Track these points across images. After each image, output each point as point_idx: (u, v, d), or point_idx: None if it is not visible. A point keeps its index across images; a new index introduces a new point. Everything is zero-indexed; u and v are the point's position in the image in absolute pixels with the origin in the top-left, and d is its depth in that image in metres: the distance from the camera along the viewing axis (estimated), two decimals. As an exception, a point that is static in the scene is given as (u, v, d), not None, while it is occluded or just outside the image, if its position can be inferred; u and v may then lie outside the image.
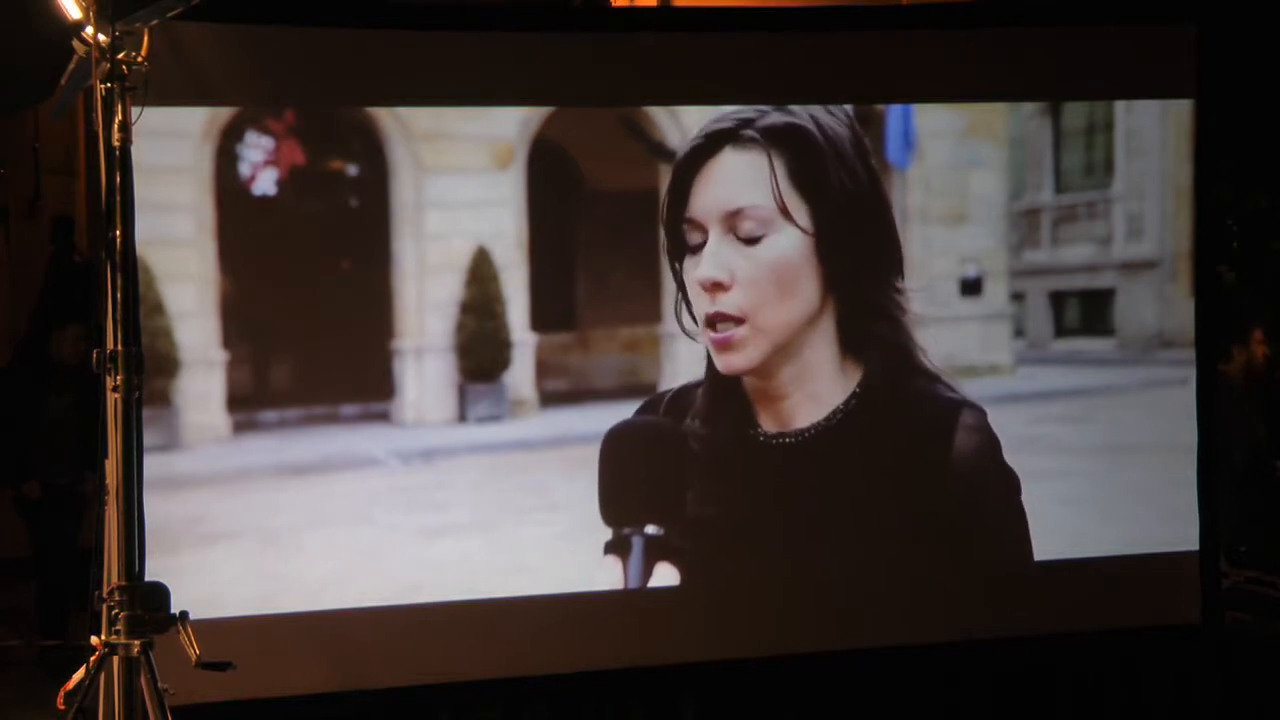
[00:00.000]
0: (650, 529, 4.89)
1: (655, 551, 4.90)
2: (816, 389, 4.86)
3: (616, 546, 4.88)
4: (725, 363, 4.84)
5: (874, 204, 4.98)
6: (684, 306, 4.83)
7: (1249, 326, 6.89)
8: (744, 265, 4.74)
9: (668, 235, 4.89)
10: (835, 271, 4.82)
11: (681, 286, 4.83)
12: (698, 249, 4.76)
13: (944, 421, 4.93)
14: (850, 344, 4.85)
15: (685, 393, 5.00)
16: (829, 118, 4.87)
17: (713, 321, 4.78)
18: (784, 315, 4.79)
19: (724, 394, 4.90)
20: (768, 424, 4.92)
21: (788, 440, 4.91)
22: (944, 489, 5.03)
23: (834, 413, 4.87)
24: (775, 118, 4.84)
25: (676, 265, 4.84)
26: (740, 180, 4.78)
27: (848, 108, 5.00)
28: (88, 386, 3.42)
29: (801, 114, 4.85)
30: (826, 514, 5.14)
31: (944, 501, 5.07)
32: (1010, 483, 5.03)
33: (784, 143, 4.79)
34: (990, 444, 4.99)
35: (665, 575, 4.94)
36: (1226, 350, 6.80)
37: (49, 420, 7.02)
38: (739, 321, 4.75)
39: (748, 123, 4.82)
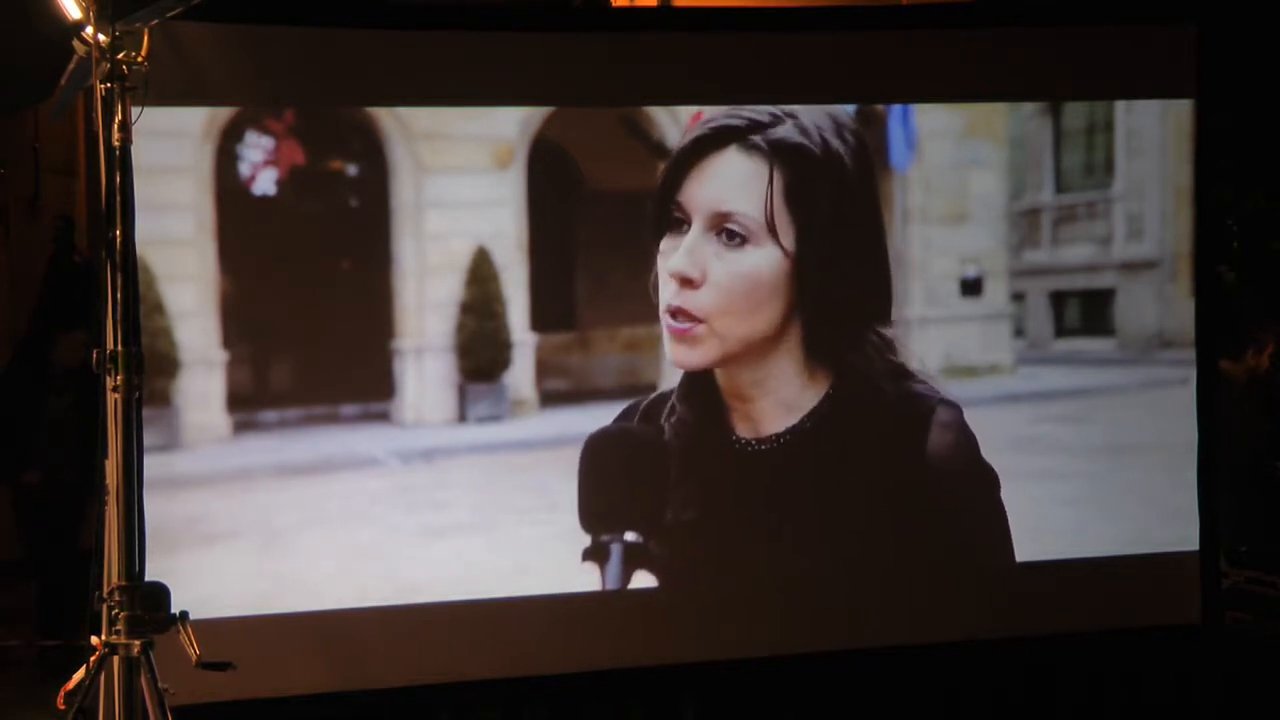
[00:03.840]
0: (629, 536, 4.89)
1: (634, 558, 4.91)
2: (784, 396, 4.85)
3: (595, 553, 4.89)
4: (678, 355, 4.83)
5: (867, 242, 4.95)
6: (653, 288, 4.83)
7: (1263, 334, 6.89)
8: (717, 267, 4.72)
9: (653, 213, 4.86)
10: (807, 298, 4.78)
11: (655, 270, 4.83)
12: (677, 234, 4.74)
13: (918, 420, 4.90)
14: (816, 359, 4.83)
15: (661, 402, 4.98)
16: (839, 143, 4.80)
17: (673, 313, 4.77)
18: (742, 328, 4.77)
19: (698, 394, 4.89)
20: (742, 429, 4.90)
21: (763, 446, 4.90)
22: (920, 488, 5.01)
23: (806, 417, 4.86)
24: (786, 132, 4.76)
25: (655, 247, 4.82)
26: (736, 184, 4.76)
27: (855, 123, 4.97)
28: (88, 387, 3.42)
29: (814, 134, 4.78)
30: (805, 518, 5.12)
31: (921, 500, 5.06)
32: (989, 479, 5.00)
33: (788, 159, 4.75)
34: (966, 440, 4.96)
35: (644, 583, 4.95)
36: (1241, 351, 6.80)
37: (49, 420, 7.02)
38: (698, 321, 4.74)
39: (758, 127, 4.78)
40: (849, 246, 4.90)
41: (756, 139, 4.77)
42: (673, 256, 4.72)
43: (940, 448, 4.90)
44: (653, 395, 5.02)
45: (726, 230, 4.71)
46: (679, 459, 4.94)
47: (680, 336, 4.76)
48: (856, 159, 4.85)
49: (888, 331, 4.92)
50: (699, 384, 4.88)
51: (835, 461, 5.01)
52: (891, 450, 5.00)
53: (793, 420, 4.86)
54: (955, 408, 4.92)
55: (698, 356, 4.80)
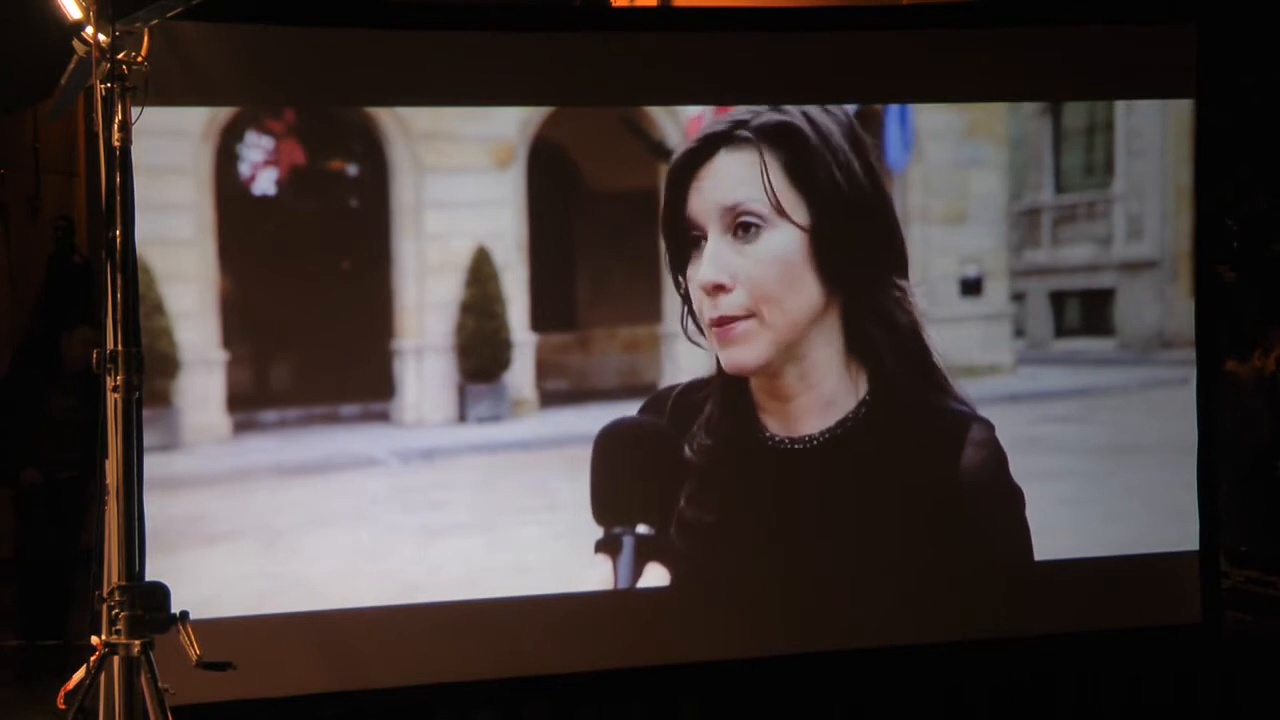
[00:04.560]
0: (641, 528, 4.89)
1: (646, 551, 4.91)
2: (823, 391, 4.86)
3: (607, 545, 4.89)
4: (731, 359, 4.83)
5: (873, 202, 4.98)
6: (689, 315, 4.83)
7: (1271, 335, 6.89)
8: (744, 264, 4.74)
9: (667, 241, 4.89)
10: (835, 269, 4.82)
11: (685, 295, 4.83)
12: (697, 251, 4.77)
13: (952, 436, 4.94)
14: (855, 345, 4.85)
15: (691, 392, 4.99)
16: (824, 116, 4.87)
17: (717, 322, 4.78)
18: (789, 312, 4.79)
19: (732, 397, 4.90)
20: (775, 427, 4.92)
21: (796, 446, 4.91)
22: (949, 503, 5.04)
23: (843, 420, 4.87)
24: (768, 116, 4.85)
25: (679, 275, 4.83)
26: (734, 178, 4.78)
27: (846, 105, 5.00)
28: (91, 389, 3.42)
29: (794, 112, 4.86)
30: (831, 519, 5.14)
31: (949, 515, 5.09)
32: (1014, 498, 5.04)
33: (776, 140, 4.80)
34: (997, 460, 5.00)
35: (656, 575, 4.95)
36: (1248, 352, 6.81)
37: (51, 420, 7.01)
38: (744, 318, 4.75)
39: (741, 123, 4.83)
40: (857, 209, 4.92)
41: (741, 133, 4.81)
42: (699, 270, 4.73)
43: (972, 465, 4.94)
44: (683, 385, 5.02)
45: (740, 225, 4.73)
46: (708, 456, 4.93)
47: (729, 337, 4.77)
48: (843, 126, 4.88)
49: (904, 283, 4.93)
50: (734, 387, 4.88)
51: (864, 469, 5.02)
52: (922, 463, 5.02)
53: (829, 422, 4.87)
54: (988, 426, 4.96)
55: (751, 354, 4.81)
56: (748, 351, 4.80)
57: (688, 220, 4.79)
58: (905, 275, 4.98)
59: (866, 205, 4.95)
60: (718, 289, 4.74)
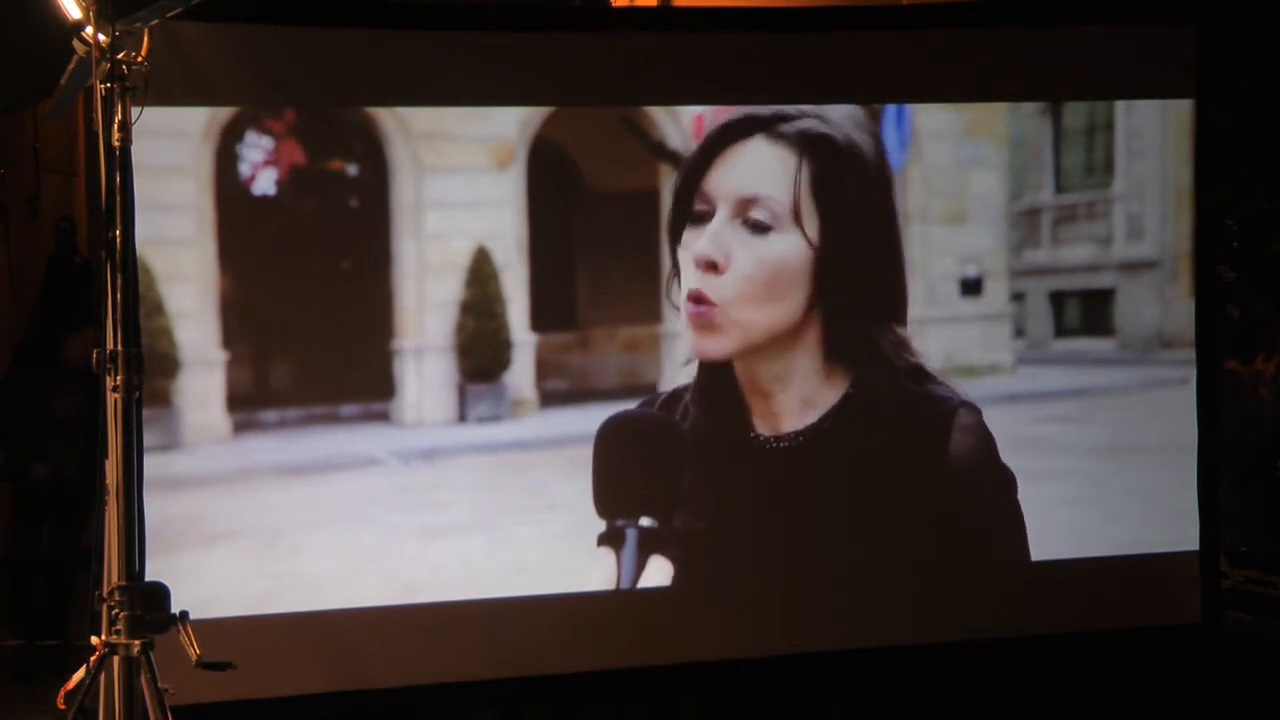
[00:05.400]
0: (645, 521, 4.88)
1: (649, 544, 4.90)
2: (803, 391, 4.86)
3: (610, 538, 4.88)
4: (697, 344, 4.83)
5: (887, 240, 4.97)
6: (675, 281, 4.82)
7: (1275, 336, 6.89)
8: (741, 254, 4.73)
9: (675, 204, 4.87)
10: (828, 289, 4.80)
11: (675, 260, 4.82)
12: (700, 223, 4.75)
13: (939, 422, 4.92)
14: (835, 356, 4.85)
15: (680, 394, 4.99)
16: (858, 134, 4.86)
17: (694, 298, 4.77)
18: (763, 317, 4.78)
19: (716, 392, 4.89)
20: (761, 425, 4.91)
21: (783, 444, 4.90)
22: (941, 490, 5.02)
23: (825, 416, 4.87)
24: (811, 123, 4.82)
25: (676, 239, 4.82)
26: (763, 170, 4.77)
27: (857, 111, 4.99)
28: (92, 387, 3.42)
29: (836, 126, 4.83)
30: (823, 516, 5.14)
31: (941, 502, 5.07)
32: (1007, 481, 5.02)
33: (815, 150, 4.77)
34: (986, 443, 4.98)
35: (659, 568, 4.94)
36: (1252, 353, 6.81)
37: (53, 420, 7.02)
38: (719, 306, 4.74)
39: (784, 118, 4.80)
40: (869, 242, 4.92)
41: (784, 128, 4.79)
42: (696, 242, 4.72)
43: (962, 450, 4.92)
44: (670, 390, 5.02)
45: (751, 217, 4.72)
46: (695, 460, 4.93)
47: (699, 321, 4.76)
48: (876, 155, 4.87)
49: (902, 330, 4.93)
50: (718, 380, 4.88)
51: (853, 461, 5.01)
52: (911, 451, 5.00)
53: (812, 418, 4.87)
54: (976, 410, 4.94)
55: (715, 345, 4.80)
56: (713, 343, 4.80)
57: (701, 191, 4.77)
58: (903, 321, 4.96)
59: (878, 240, 4.94)
60: (710, 266, 4.73)
